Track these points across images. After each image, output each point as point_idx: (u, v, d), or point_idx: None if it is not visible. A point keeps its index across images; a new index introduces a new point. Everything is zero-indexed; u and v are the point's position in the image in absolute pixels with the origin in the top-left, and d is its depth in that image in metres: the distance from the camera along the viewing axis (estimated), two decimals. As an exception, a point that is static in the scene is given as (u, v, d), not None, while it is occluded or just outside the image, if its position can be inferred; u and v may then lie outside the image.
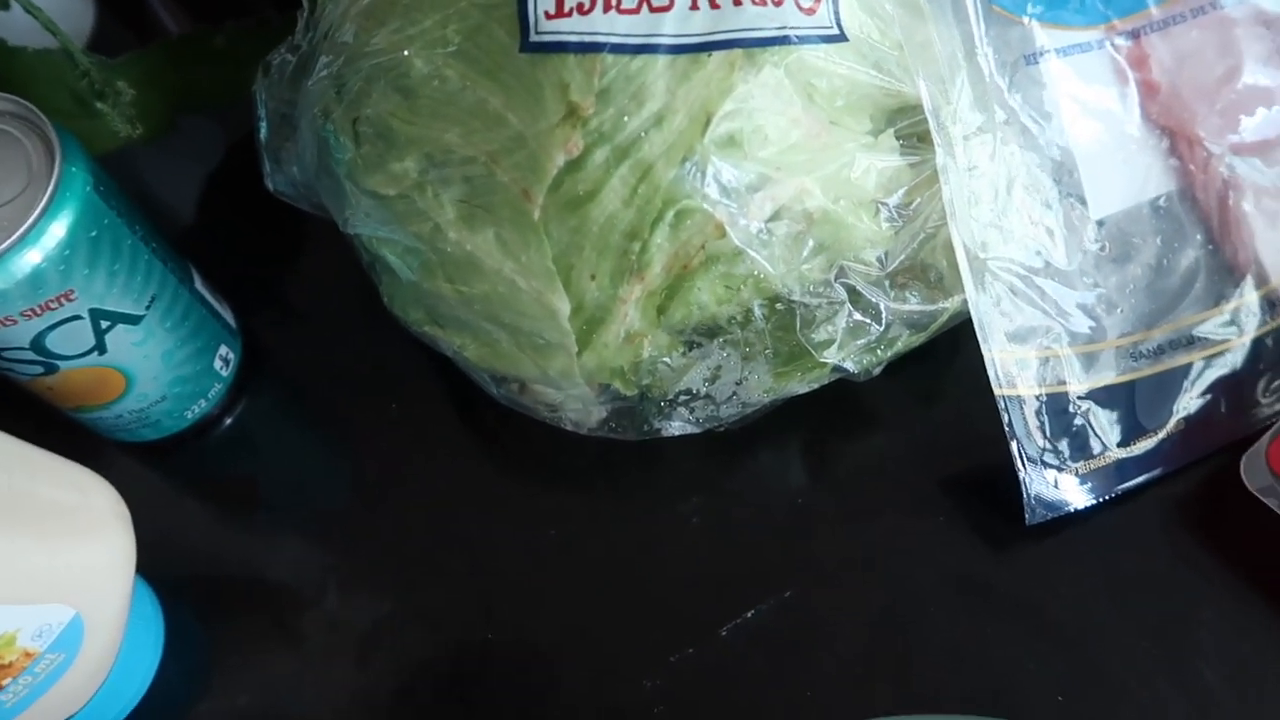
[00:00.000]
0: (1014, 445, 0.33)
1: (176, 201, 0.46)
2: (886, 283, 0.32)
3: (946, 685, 0.34)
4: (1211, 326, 0.36)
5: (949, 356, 0.40)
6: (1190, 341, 0.36)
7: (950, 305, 0.33)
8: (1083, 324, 0.35)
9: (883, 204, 0.32)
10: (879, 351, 0.33)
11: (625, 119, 0.26)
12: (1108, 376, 0.35)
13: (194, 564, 0.38)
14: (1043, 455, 0.34)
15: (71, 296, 0.31)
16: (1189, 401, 0.36)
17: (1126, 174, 0.37)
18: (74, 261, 0.30)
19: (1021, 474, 0.34)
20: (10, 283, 0.29)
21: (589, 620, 0.36)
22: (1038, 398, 0.34)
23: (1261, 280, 0.37)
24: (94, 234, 0.31)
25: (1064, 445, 0.34)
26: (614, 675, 0.34)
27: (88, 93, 0.36)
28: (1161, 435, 0.35)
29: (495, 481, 0.38)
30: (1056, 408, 0.34)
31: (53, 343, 0.32)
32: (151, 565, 0.36)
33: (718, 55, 0.27)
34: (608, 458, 0.38)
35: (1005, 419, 0.33)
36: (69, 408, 0.36)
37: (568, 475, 0.38)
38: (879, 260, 0.32)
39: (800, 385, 0.33)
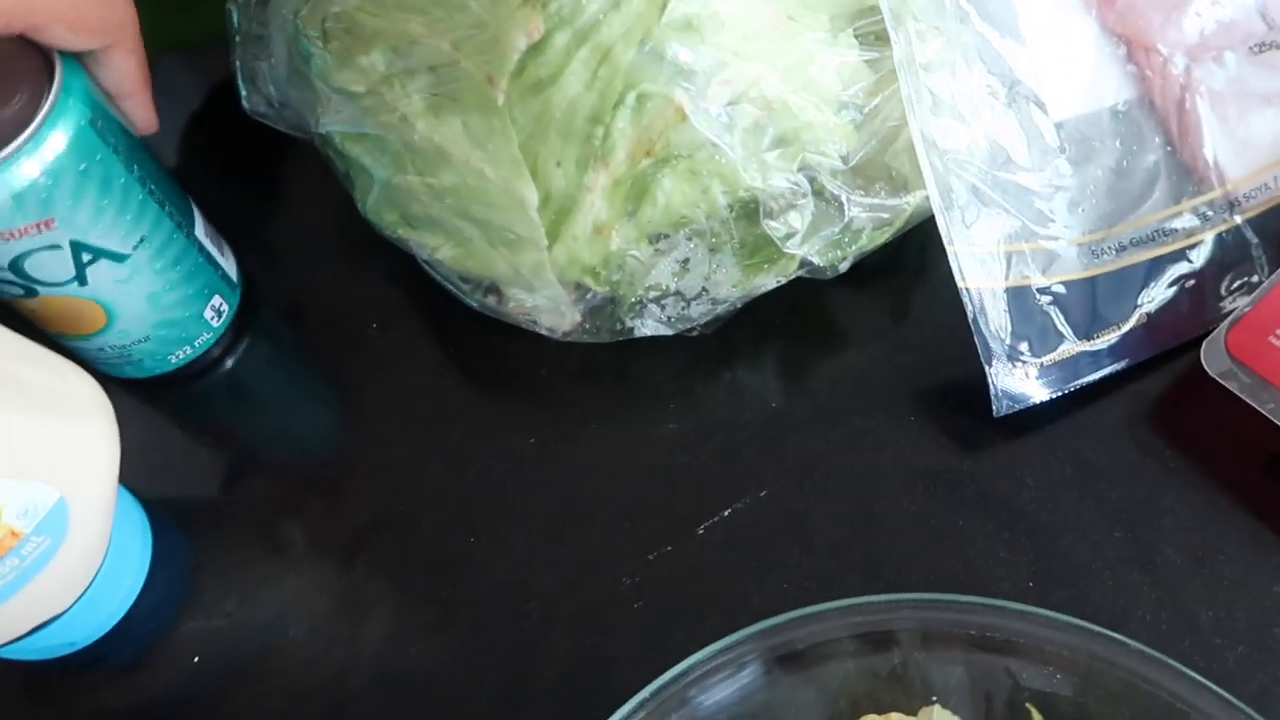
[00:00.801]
0: (978, 338, 0.34)
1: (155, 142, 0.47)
2: (849, 177, 0.33)
3: (918, 575, 0.34)
4: (1171, 224, 0.37)
5: (919, 269, 0.41)
6: (1151, 239, 0.37)
7: (912, 200, 0.34)
8: (1045, 221, 0.36)
9: (843, 100, 0.32)
10: (844, 246, 0.33)
11: (584, 2, 0.27)
12: (1070, 272, 0.36)
13: (180, 482, 0.38)
14: (1007, 348, 0.34)
15: (52, 225, 0.31)
16: (1151, 296, 0.36)
17: (1085, 80, 0.38)
18: (57, 191, 0.31)
19: (987, 366, 0.34)
20: None
21: (569, 524, 0.36)
22: (1001, 292, 0.35)
23: (1219, 180, 0.38)
24: (83, 167, 0.31)
25: (1028, 338, 0.35)
26: (594, 574, 0.35)
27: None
28: (1124, 329, 0.36)
29: (475, 395, 0.39)
30: (1019, 302, 0.35)
31: (32, 267, 0.32)
32: (139, 485, 0.37)
33: (675, -58, 0.28)
34: (586, 369, 0.39)
35: (969, 312, 0.34)
36: (52, 333, 0.36)
37: (546, 387, 0.39)
38: (841, 157, 0.33)
39: (768, 279, 0.33)
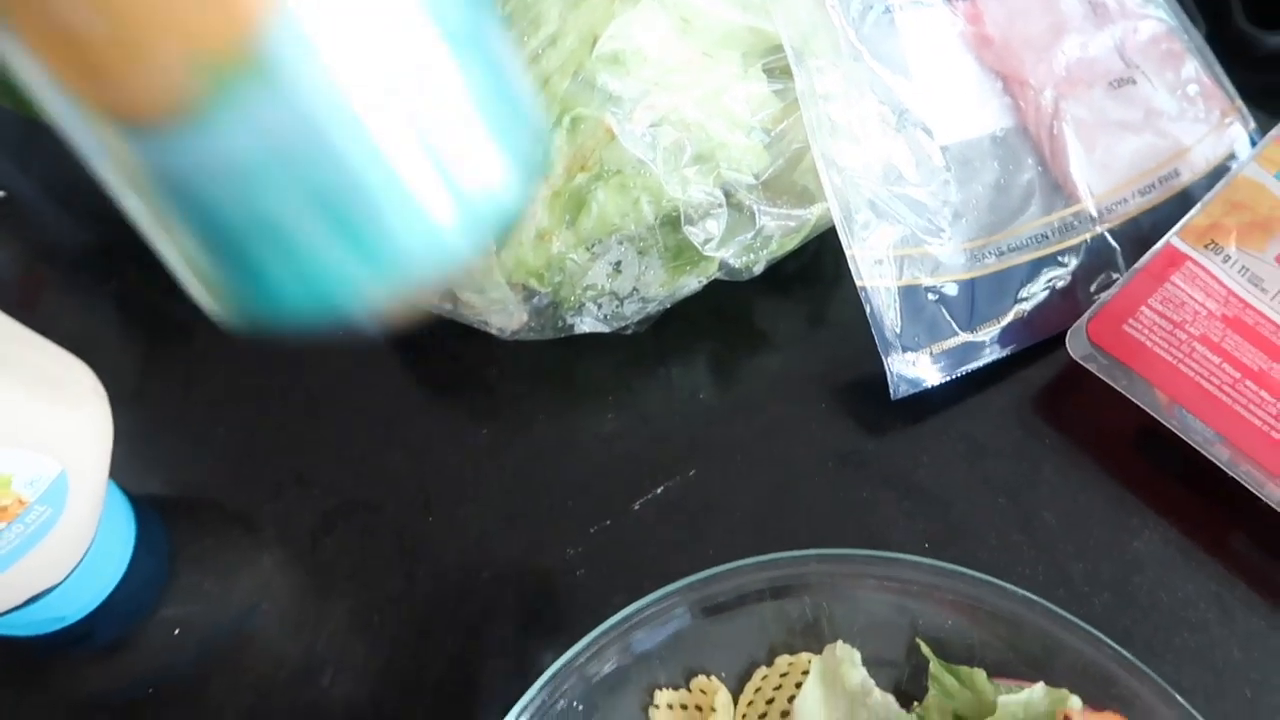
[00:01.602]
0: (875, 330, 0.39)
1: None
2: (761, 191, 0.38)
3: (828, 541, 0.39)
4: (1045, 233, 0.43)
5: (832, 278, 0.46)
6: (1027, 245, 0.42)
7: (815, 211, 0.39)
8: (933, 229, 0.41)
9: (752, 125, 0.37)
10: (756, 250, 0.38)
11: (525, 39, 0.32)
12: (955, 273, 0.41)
13: (160, 474, 0.42)
14: (900, 338, 0.39)
15: None
16: (1028, 294, 0.42)
17: (967, 110, 0.43)
18: None
19: (884, 355, 0.39)
20: None
21: (518, 504, 0.40)
22: (894, 290, 0.40)
23: (1085, 195, 0.44)
24: None
25: (919, 330, 0.40)
26: (540, 547, 0.39)
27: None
28: (1004, 322, 0.41)
29: (432, 392, 0.43)
30: (911, 298, 0.40)
31: None
32: (123, 476, 0.40)
33: (602, -10, 0.33)
34: (533, 367, 0.43)
35: (867, 308, 0.39)
36: None
37: (497, 384, 0.43)
38: (755, 174, 0.38)
39: (691, 280, 0.38)
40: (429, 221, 0.17)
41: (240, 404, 0.43)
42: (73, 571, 0.35)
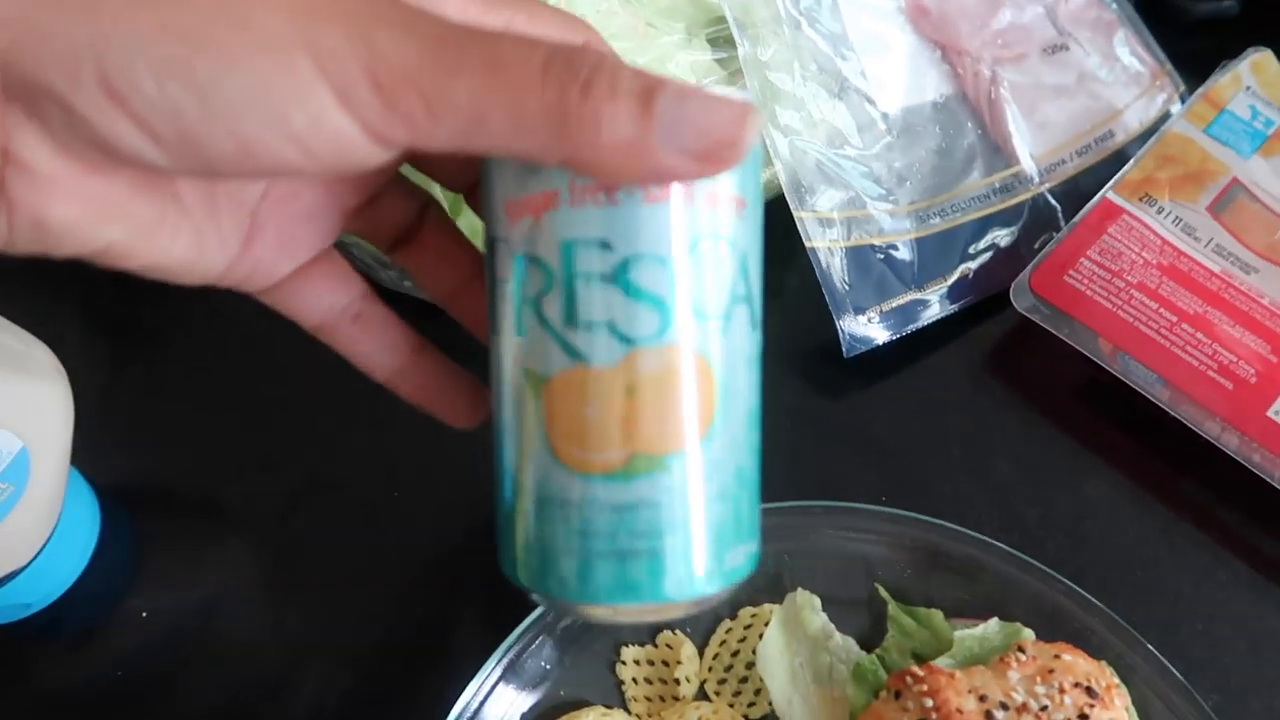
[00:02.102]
0: (826, 290, 0.40)
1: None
2: (707, 157, 0.39)
3: (788, 497, 0.40)
4: (986, 194, 0.44)
5: (786, 251, 0.46)
6: (971, 205, 0.44)
7: (764, 176, 0.40)
8: (879, 192, 0.42)
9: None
10: (707, 215, 0.39)
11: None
12: (902, 233, 0.42)
13: (124, 463, 0.42)
14: (850, 298, 0.40)
15: (743, 207, 0.25)
16: (974, 251, 0.43)
17: (908, 78, 0.45)
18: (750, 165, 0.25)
19: (835, 314, 0.40)
20: None
21: (485, 475, 0.41)
22: (842, 250, 0.41)
23: (1025, 157, 0.45)
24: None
25: (867, 289, 0.41)
26: (506, 516, 0.39)
27: None
28: (950, 280, 0.42)
29: (395, 371, 0.43)
30: (859, 259, 0.41)
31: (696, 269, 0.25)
32: (85, 464, 0.40)
33: (546, -36, 0.34)
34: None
35: (817, 269, 0.40)
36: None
37: (459, 359, 0.43)
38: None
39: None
40: (707, 572, 0.24)
41: (202, 391, 0.44)
42: (37, 555, 0.35)
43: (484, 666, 0.33)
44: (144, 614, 0.38)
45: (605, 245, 0.22)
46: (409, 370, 0.30)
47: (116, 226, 0.21)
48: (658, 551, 0.23)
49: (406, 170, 0.29)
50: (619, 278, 0.22)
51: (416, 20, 0.19)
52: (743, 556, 0.25)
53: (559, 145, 0.19)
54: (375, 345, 0.29)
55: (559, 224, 0.22)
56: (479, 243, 0.28)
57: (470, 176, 0.28)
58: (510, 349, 0.24)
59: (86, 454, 0.37)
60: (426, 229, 0.29)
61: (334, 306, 0.28)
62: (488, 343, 0.26)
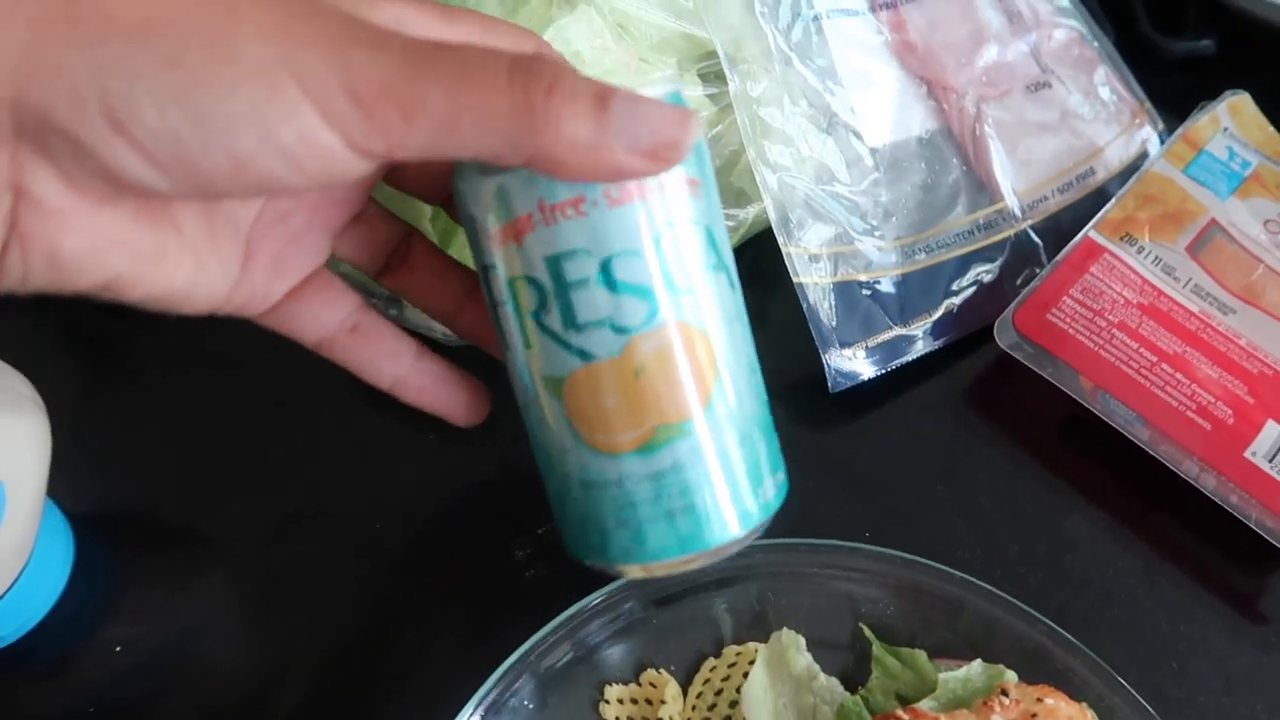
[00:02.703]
0: (813, 325, 0.40)
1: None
2: (696, 192, 0.39)
3: (772, 531, 0.39)
4: (970, 230, 0.44)
5: (771, 280, 0.47)
6: (955, 241, 0.44)
7: (751, 211, 0.40)
8: (865, 228, 0.42)
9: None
10: (695, 250, 0.39)
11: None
12: (888, 269, 0.42)
13: (101, 493, 0.41)
14: (836, 333, 0.40)
15: (697, 189, 0.27)
16: (958, 288, 0.43)
17: (894, 113, 0.45)
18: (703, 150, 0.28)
19: (821, 350, 0.40)
20: None
21: (466, 506, 0.40)
22: (829, 286, 0.41)
23: (1009, 193, 0.45)
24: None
25: (853, 324, 0.41)
26: (491, 548, 0.39)
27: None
28: (935, 316, 0.43)
29: (379, 398, 0.43)
30: (845, 294, 0.41)
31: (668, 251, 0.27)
32: (61, 492, 0.39)
33: (539, -4, 0.34)
34: (481, 371, 0.43)
35: (804, 304, 0.40)
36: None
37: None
38: (690, 176, 0.39)
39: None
40: (740, 513, 0.27)
41: (182, 420, 0.43)
42: (10, 588, 0.35)
43: (466, 706, 0.32)
44: (118, 647, 0.37)
45: (584, 253, 0.24)
46: (410, 376, 0.31)
47: (122, 257, 0.22)
48: (699, 504, 0.26)
49: (388, 199, 0.30)
50: (603, 278, 0.24)
51: (387, 38, 0.21)
52: (773, 488, 0.29)
53: (526, 142, 0.21)
54: (375, 355, 0.30)
55: (539, 243, 0.24)
56: (467, 260, 0.30)
57: (445, 187, 0.29)
58: (524, 361, 0.26)
59: (62, 481, 0.36)
60: (415, 253, 0.31)
61: (331, 322, 0.29)
62: (503, 358, 0.28)
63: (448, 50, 0.21)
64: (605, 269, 0.24)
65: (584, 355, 0.25)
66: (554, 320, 0.25)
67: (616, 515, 0.26)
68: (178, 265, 0.24)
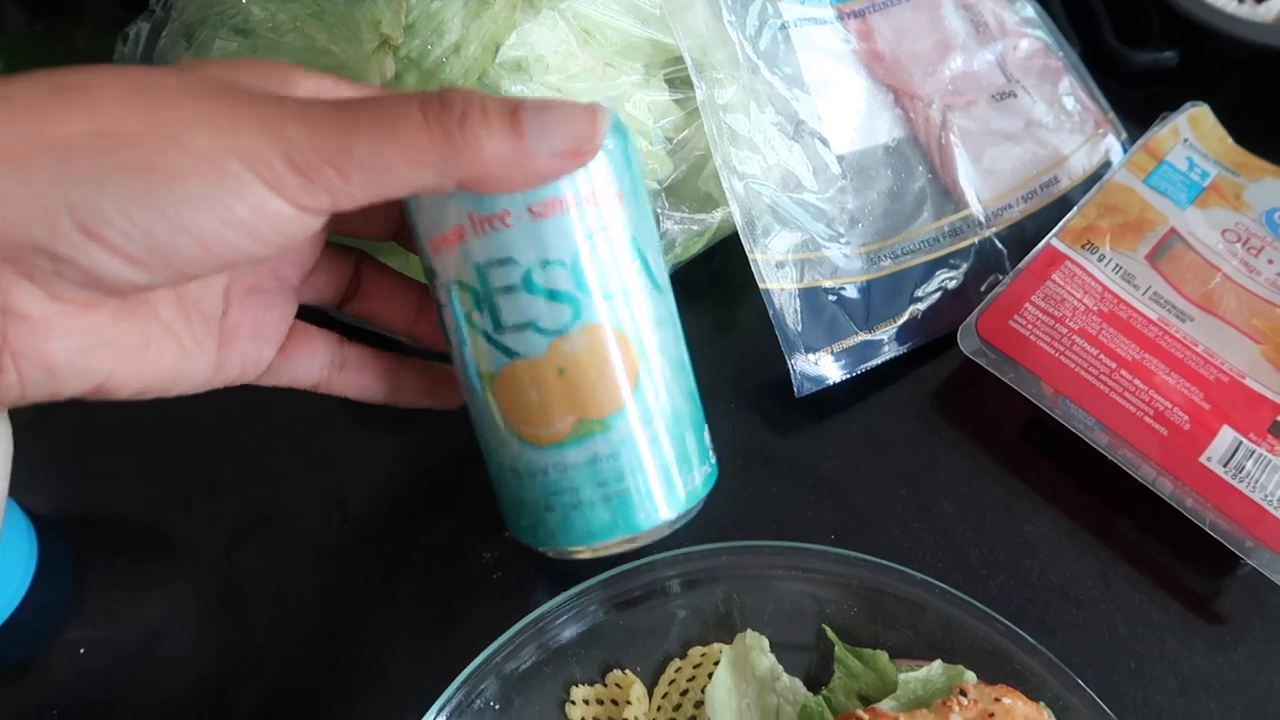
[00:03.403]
0: (779, 331, 0.40)
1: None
2: (663, 196, 0.39)
3: (739, 535, 0.40)
4: (935, 237, 0.45)
5: (740, 287, 0.47)
6: (921, 248, 0.44)
7: (718, 216, 0.40)
8: (831, 234, 0.43)
9: (654, 131, 0.39)
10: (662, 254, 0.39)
11: (429, 48, 0.33)
12: (853, 275, 0.43)
13: (65, 495, 0.41)
14: (802, 338, 0.41)
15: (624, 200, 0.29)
16: (923, 294, 0.44)
17: (861, 121, 0.46)
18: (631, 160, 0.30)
19: (787, 355, 0.41)
20: None
21: (431, 513, 0.40)
22: (795, 292, 0.41)
23: (973, 201, 0.46)
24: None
25: (819, 330, 0.41)
26: (458, 551, 0.39)
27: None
28: (900, 321, 0.43)
29: (344, 405, 0.43)
30: (811, 300, 0.41)
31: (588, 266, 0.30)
32: (22, 494, 0.39)
33: None
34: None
35: (770, 310, 0.40)
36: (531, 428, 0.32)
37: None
38: (658, 180, 0.39)
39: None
40: (666, 500, 0.30)
41: (147, 423, 0.43)
42: (-29, 591, 0.34)
43: (433, 707, 0.33)
44: (81, 649, 0.37)
45: (510, 261, 0.26)
46: (400, 386, 0.35)
47: (110, 354, 0.25)
48: (622, 493, 0.29)
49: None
50: (527, 284, 0.26)
51: (311, 108, 0.23)
52: (699, 478, 0.31)
53: (453, 168, 0.23)
54: (365, 380, 0.34)
55: (470, 252, 0.26)
56: (415, 274, 0.32)
57: (390, 225, 0.32)
58: (463, 357, 0.29)
59: (24, 480, 0.36)
60: (366, 279, 0.34)
61: (322, 366, 0.33)
62: (450, 355, 0.30)
63: (364, 104, 0.23)
64: (529, 276, 0.26)
65: (510, 354, 0.27)
66: (485, 321, 0.27)
67: (545, 500, 0.29)
68: (160, 351, 0.26)
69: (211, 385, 0.30)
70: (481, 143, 0.23)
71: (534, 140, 0.24)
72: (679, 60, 0.40)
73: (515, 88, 0.34)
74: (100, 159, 0.21)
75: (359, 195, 0.23)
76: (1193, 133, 0.47)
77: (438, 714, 0.32)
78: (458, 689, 0.33)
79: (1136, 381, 0.40)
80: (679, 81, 0.40)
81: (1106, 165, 0.49)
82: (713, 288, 0.47)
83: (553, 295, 0.26)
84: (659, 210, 0.39)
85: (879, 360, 0.42)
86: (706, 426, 0.32)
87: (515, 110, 0.24)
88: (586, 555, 0.31)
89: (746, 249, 0.40)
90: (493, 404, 0.28)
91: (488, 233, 0.26)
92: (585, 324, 0.27)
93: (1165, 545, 0.40)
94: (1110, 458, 0.40)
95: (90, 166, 0.21)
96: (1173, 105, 0.49)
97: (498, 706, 0.34)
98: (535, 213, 0.26)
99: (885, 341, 0.43)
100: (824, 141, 0.44)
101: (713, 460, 0.32)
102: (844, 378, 0.42)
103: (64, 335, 0.23)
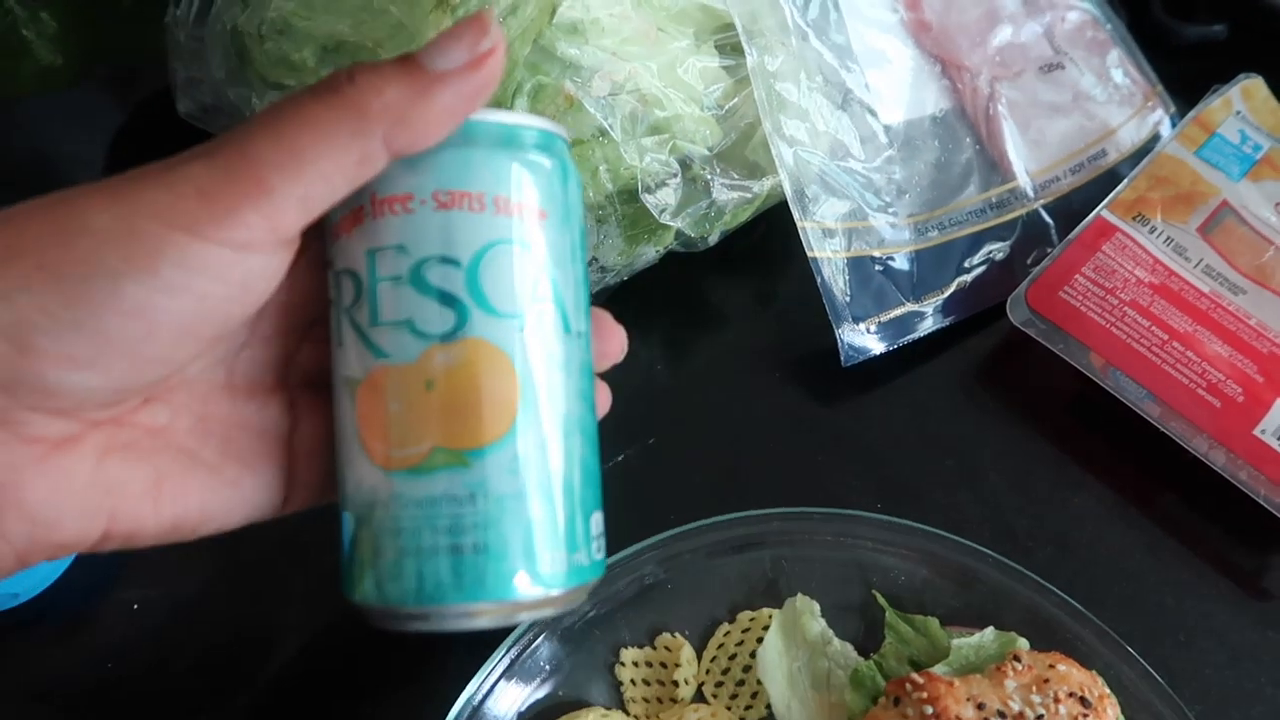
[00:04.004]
0: (826, 299, 0.40)
1: (86, 153, 0.50)
2: (715, 162, 0.39)
3: (784, 499, 0.40)
4: (982, 208, 0.45)
5: (783, 257, 0.47)
6: (968, 220, 0.44)
7: (768, 183, 0.40)
8: (879, 204, 0.42)
9: (705, 98, 0.39)
10: (711, 220, 0.39)
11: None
12: (901, 245, 0.42)
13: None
14: (849, 308, 0.41)
15: (545, 219, 0.26)
16: (969, 265, 0.44)
17: (909, 92, 0.45)
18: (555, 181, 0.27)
19: (834, 324, 0.40)
20: None
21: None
22: (843, 261, 0.41)
23: (1020, 173, 0.46)
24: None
25: (867, 299, 0.41)
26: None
27: (9, 26, 0.40)
28: (947, 293, 0.43)
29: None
30: (858, 270, 0.41)
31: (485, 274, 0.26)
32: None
33: (561, -39, 0.34)
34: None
35: (818, 279, 0.40)
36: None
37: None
38: (708, 147, 0.39)
39: (648, 249, 0.39)
40: (525, 572, 0.24)
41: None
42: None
43: (486, 663, 0.33)
44: (135, 605, 0.38)
45: (401, 250, 0.24)
46: None
47: (100, 495, 0.23)
48: (470, 547, 0.24)
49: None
50: (414, 278, 0.24)
51: (205, 145, 0.22)
52: (572, 564, 0.25)
53: (365, 130, 0.22)
54: None
55: (364, 236, 0.24)
56: None
57: None
58: (334, 362, 0.25)
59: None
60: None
61: None
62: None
63: (255, 116, 0.22)
64: (419, 270, 0.24)
65: (380, 354, 0.24)
66: (362, 316, 0.24)
67: (377, 539, 0.24)
68: (183, 486, 0.24)
69: (286, 512, 0.27)
70: (377, 87, 0.21)
71: (430, 61, 0.22)
72: (729, 27, 0.39)
73: (571, 50, 0.34)
74: (9, 270, 0.20)
75: (289, 201, 0.21)
76: (1245, 105, 0.47)
77: (493, 667, 0.33)
78: (511, 646, 0.33)
79: (1189, 353, 0.39)
80: (729, 48, 0.40)
81: (1155, 139, 0.48)
82: (753, 259, 0.46)
83: (436, 295, 0.23)
84: (708, 176, 0.38)
85: (924, 332, 0.42)
86: (601, 517, 0.27)
87: (407, 53, 0.23)
88: (410, 628, 0.25)
89: (796, 216, 0.40)
90: (350, 415, 0.24)
91: (386, 215, 0.24)
92: (466, 336, 0.24)
93: (1214, 519, 0.40)
94: (1162, 429, 0.39)
95: (9, 276, 0.20)
96: (1221, 80, 0.49)
97: (549, 666, 0.34)
98: (440, 202, 0.24)
99: (930, 313, 0.42)
100: (872, 111, 0.44)
101: (597, 557, 0.26)
102: (890, 348, 0.41)
103: (39, 478, 0.22)
